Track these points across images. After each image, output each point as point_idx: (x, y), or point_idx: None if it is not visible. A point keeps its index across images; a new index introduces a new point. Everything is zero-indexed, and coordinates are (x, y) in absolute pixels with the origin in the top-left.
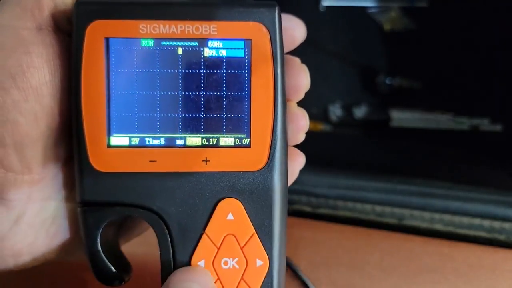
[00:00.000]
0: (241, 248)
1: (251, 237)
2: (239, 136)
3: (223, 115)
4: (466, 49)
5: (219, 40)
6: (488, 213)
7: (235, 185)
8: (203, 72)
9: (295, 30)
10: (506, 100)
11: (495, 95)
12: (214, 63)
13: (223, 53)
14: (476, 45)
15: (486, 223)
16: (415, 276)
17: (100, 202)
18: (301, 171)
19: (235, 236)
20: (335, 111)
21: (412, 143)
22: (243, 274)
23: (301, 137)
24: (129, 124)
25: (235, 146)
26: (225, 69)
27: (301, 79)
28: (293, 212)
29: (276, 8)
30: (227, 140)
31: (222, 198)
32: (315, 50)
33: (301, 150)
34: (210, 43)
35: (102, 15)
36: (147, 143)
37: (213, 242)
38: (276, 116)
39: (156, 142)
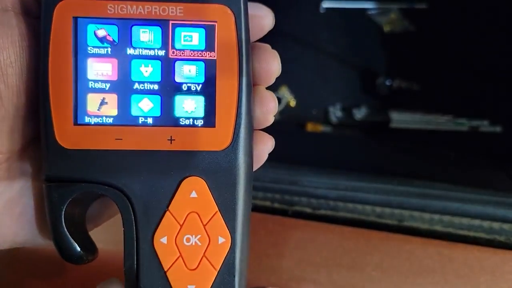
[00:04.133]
0: (204, 226)
1: (214, 215)
2: (203, 116)
3: (188, 95)
4: (466, 50)
5: (184, 23)
6: (487, 214)
7: (199, 164)
8: (169, 54)
9: (263, 18)
10: (506, 101)
11: (495, 97)
12: (180, 45)
13: (189, 35)
14: (476, 47)
15: (486, 224)
16: (415, 277)
17: (65, 179)
18: (301, 172)
19: (198, 214)
20: (335, 113)
21: (412, 144)
22: (205, 251)
23: (270, 119)
24: (93, 103)
25: (200, 126)
26: (190, 51)
27: (271, 64)
28: (293, 213)
29: None
30: (192, 120)
31: (186, 177)
32: (315, 52)
33: (302, 151)
34: (176, 26)
35: None
36: (111, 121)
37: (176, 219)
38: (240, 98)
39: (122, 121)
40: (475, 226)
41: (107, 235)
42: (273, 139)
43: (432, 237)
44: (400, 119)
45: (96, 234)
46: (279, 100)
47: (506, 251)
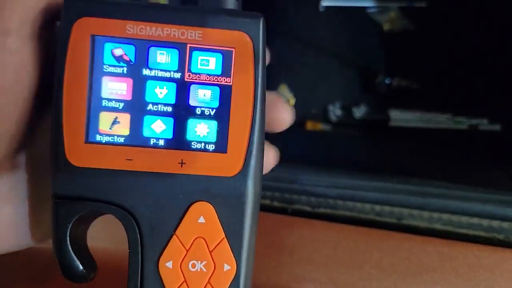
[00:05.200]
0: (210, 252)
1: (220, 241)
2: (215, 141)
3: (202, 119)
4: (465, 49)
5: (202, 47)
6: (486, 213)
7: (209, 189)
8: (185, 77)
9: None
10: (505, 100)
11: (494, 95)
12: (196, 69)
13: (206, 59)
14: (475, 45)
15: (485, 222)
16: (414, 275)
17: (73, 196)
18: (301, 171)
19: (205, 240)
20: (335, 111)
21: (411, 142)
22: (210, 278)
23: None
24: (106, 121)
25: (212, 151)
26: (206, 75)
27: (284, 113)
28: (293, 211)
29: (261, 19)
30: (204, 144)
31: (195, 201)
32: (314, 51)
33: (302, 150)
34: (193, 49)
35: (89, 12)
36: (122, 141)
37: (182, 244)
38: (253, 125)
39: (133, 141)
40: (474, 224)
41: (105, 233)
42: (278, 153)
43: (431, 236)
44: (399, 117)
45: (95, 232)
46: None
47: (505, 250)
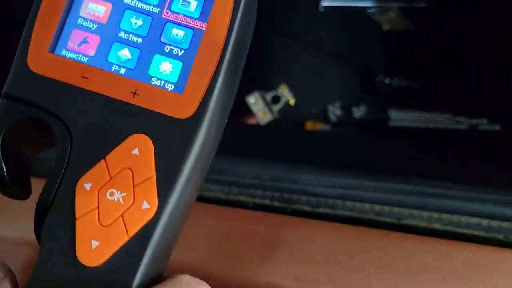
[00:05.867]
0: (134, 186)
1: (148, 178)
2: (175, 82)
3: (168, 58)
4: (465, 48)
5: None
6: (486, 212)
7: (155, 125)
8: (163, 14)
9: None
10: (505, 99)
11: (494, 95)
12: (176, 8)
13: (188, 1)
14: (475, 45)
15: (485, 222)
16: (413, 275)
17: (21, 98)
18: (301, 171)
19: (132, 172)
20: (335, 111)
21: (411, 142)
22: (124, 211)
23: None
24: (76, 39)
25: (169, 89)
26: (184, 16)
27: None
28: (292, 211)
29: None
30: (163, 82)
31: (136, 133)
32: (314, 51)
33: (301, 150)
34: None
35: None
36: (85, 61)
37: (108, 170)
38: (217, 73)
39: (95, 63)
40: (473, 224)
41: None
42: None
43: (431, 235)
44: (399, 117)
45: None
46: (279, 98)
47: (505, 249)
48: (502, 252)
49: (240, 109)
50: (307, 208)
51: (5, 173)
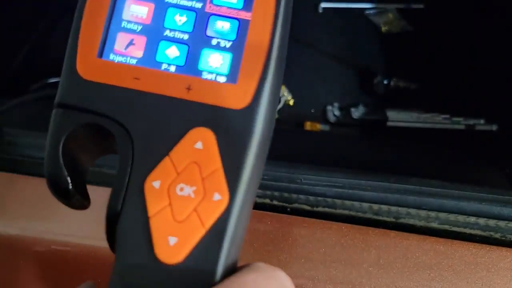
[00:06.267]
0: (202, 179)
1: (215, 170)
2: (227, 74)
3: (216, 51)
4: (463, 49)
5: None
6: (483, 212)
7: (212, 118)
8: (206, 8)
9: None
10: (502, 100)
11: (491, 96)
12: (218, 1)
13: None
14: (472, 46)
15: (482, 221)
16: (411, 273)
17: (76, 106)
18: (300, 170)
19: (199, 165)
20: (333, 112)
21: (409, 142)
22: (197, 205)
23: None
24: (122, 42)
25: (221, 82)
26: (227, 8)
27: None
28: (292, 210)
29: None
30: (215, 76)
31: (196, 127)
32: (313, 52)
33: (300, 150)
34: None
35: None
36: (134, 62)
37: (174, 166)
38: (268, 61)
39: (145, 63)
40: (471, 223)
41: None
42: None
43: (429, 234)
44: (397, 117)
45: (96, 233)
46: (278, 99)
47: (502, 248)
48: (499, 251)
49: None
50: (306, 207)
51: (69, 182)
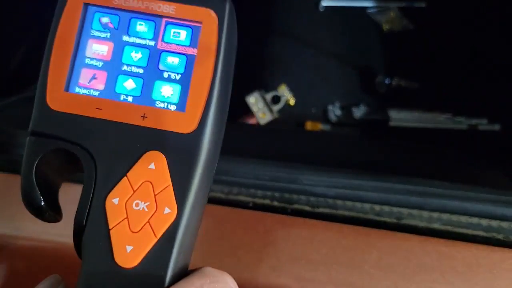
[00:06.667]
0: (155, 195)
1: (166, 187)
2: (177, 102)
3: (167, 82)
4: (465, 48)
5: (175, 21)
6: (486, 212)
7: (164, 141)
8: (158, 45)
9: None
10: (505, 100)
11: (494, 95)
12: (169, 39)
13: (178, 32)
14: (474, 45)
15: (484, 222)
16: (413, 275)
17: (46, 134)
18: (301, 171)
19: (152, 184)
20: (334, 111)
21: (411, 142)
22: (150, 218)
23: None
24: (85, 77)
25: (172, 110)
26: (176, 45)
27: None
28: (292, 211)
29: (228, 0)
30: (166, 104)
31: (150, 150)
32: (314, 51)
33: (301, 150)
34: (168, 23)
35: None
36: (97, 94)
37: (131, 185)
38: (211, 91)
39: (106, 95)
40: (473, 224)
41: None
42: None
43: (431, 235)
44: (399, 117)
45: None
46: (279, 98)
47: (505, 249)
48: (501, 252)
49: (240, 109)
50: (307, 208)
51: (42, 201)
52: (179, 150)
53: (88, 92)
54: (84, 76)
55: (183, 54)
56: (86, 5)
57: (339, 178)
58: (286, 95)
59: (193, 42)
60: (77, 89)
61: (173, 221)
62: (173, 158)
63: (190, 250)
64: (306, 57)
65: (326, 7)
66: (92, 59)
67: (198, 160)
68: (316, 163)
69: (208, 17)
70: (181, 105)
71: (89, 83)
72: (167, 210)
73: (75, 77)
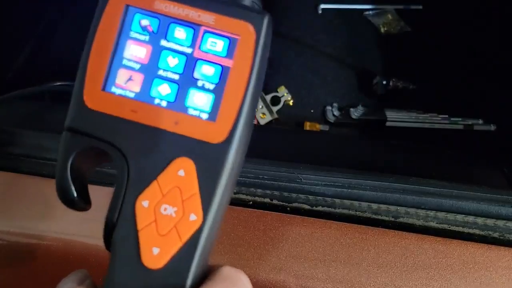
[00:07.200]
0: (182, 201)
1: (193, 194)
2: (209, 111)
3: (201, 91)
4: (461, 50)
5: (214, 31)
6: (482, 211)
7: (194, 149)
8: (194, 53)
9: None
10: (500, 100)
11: (490, 96)
12: (205, 48)
13: (215, 42)
14: (471, 47)
15: (480, 220)
16: (410, 272)
17: (82, 131)
18: (300, 170)
19: (180, 190)
20: (333, 112)
21: (408, 142)
22: (177, 223)
23: None
24: (122, 77)
25: (204, 119)
26: (212, 55)
27: None
28: (291, 210)
29: (267, 15)
30: (198, 112)
31: (180, 156)
32: (312, 52)
33: (300, 150)
34: (206, 31)
35: None
36: (132, 96)
37: (160, 189)
38: (243, 103)
39: (141, 98)
40: (469, 222)
41: None
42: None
43: (427, 233)
44: (396, 118)
45: (95, 232)
46: (278, 99)
47: (500, 247)
48: (497, 250)
49: None
50: (306, 207)
51: (75, 194)
52: (207, 159)
53: (124, 93)
54: (121, 76)
55: (218, 64)
56: (127, 6)
57: (338, 177)
58: (286, 95)
59: (229, 54)
60: (113, 89)
61: (198, 228)
62: (201, 166)
63: (210, 253)
64: (305, 58)
65: (324, 9)
66: (129, 60)
67: (225, 171)
68: (315, 163)
69: (246, 31)
70: (213, 114)
71: (126, 84)
72: (193, 217)
73: (112, 77)
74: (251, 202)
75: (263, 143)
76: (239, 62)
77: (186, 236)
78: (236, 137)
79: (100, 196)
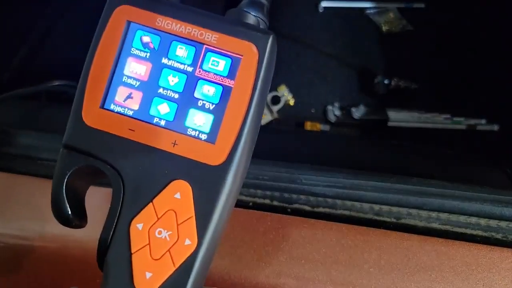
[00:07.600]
0: (177, 225)
1: (189, 218)
2: (208, 132)
3: (201, 111)
4: (464, 49)
5: (216, 50)
6: (484, 212)
7: (192, 171)
8: (195, 72)
9: None
10: (503, 100)
11: (493, 95)
12: (207, 67)
13: (217, 61)
14: (473, 46)
15: (483, 221)
16: (412, 274)
17: (79, 149)
18: (300, 171)
19: (176, 213)
20: (334, 112)
21: (410, 142)
22: (171, 247)
23: None
24: (122, 95)
25: (203, 140)
26: (214, 74)
27: None
28: (292, 211)
29: (271, 36)
30: (197, 133)
31: (177, 179)
32: (313, 51)
33: (301, 150)
34: (208, 50)
35: (129, 1)
36: (131, 114)
37: (156, 212)
38: (243, 126)
39: (139, 116)
40: (472, 223)
41: None
42: None
43: (430, 235)
44: (398, 117)
45: (95, 233)
46: (279, 99)
47: (503, 249)
48: (500, 252)
49: None
50: (307, 208)
51: (70, 212)
52: (205, 182)
53: (123, 110)
54: (120, 94)
55: (219, 84)
56: (129, 22)
57: (339, 178)
58: (286, 95)
59: (231, 74)
60: (112, 106)
61: (192, 253)
62: (198, 189)
63: (205, 277)
64: (305, 57)
65: (325, 8)
66: (129, 77)
67: (222, 194)
68: (316, 163)
69: (249, 51)
70: (212, 135)
71: (125, 101)
72: (187, 242)
73: (112, 94)
74: (251, 203)
75: (263, 143)
76: (241, 82)
77: (179, 261)
78: (235, 160)
79: (98, 197)
